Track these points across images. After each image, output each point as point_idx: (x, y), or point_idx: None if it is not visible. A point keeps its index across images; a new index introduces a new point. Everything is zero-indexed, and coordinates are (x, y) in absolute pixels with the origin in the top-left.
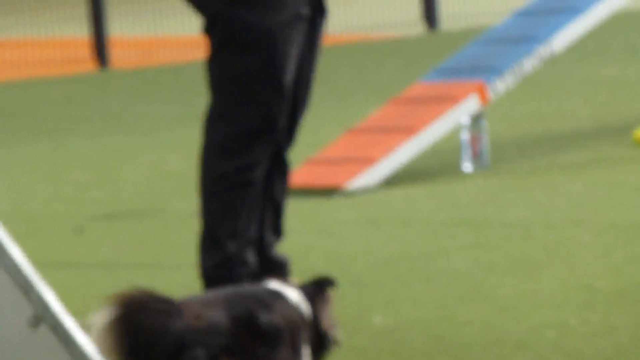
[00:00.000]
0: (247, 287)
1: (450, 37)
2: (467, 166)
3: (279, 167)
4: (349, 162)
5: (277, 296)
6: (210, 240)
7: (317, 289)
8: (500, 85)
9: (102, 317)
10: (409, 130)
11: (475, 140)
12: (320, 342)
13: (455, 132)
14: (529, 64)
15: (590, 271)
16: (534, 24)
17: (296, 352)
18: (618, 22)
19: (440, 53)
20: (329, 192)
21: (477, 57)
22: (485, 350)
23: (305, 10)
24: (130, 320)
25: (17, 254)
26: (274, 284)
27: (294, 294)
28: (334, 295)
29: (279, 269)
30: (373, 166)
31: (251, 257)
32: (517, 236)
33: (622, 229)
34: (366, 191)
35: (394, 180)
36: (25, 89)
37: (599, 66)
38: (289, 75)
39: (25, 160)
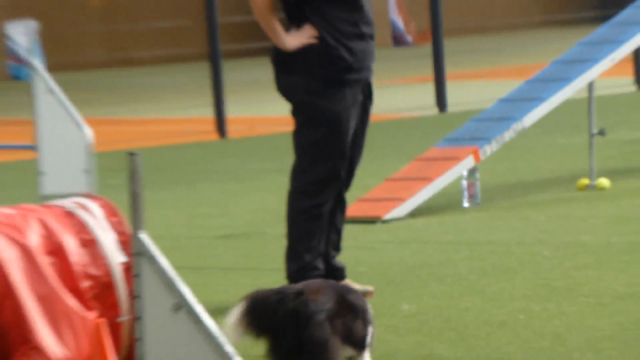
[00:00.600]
0: (332, 281)
1: (455, 117)
2: (466, 204)
3: (340, 204)
4: (386, 201)
5: (351, 288)
6: (292, 253)
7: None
8: (488, 149)
9: (238, 308)
10: (427, 180)
11: (471, 186)
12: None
13: (458, 180)
14: (508, 135)
15: (549, 275)
16: (511, 108)
17: (366, 325)
18: (568, 106)
19: (448, 128)
20: (372, 221)
21: (473, 130)
22: (478, 328)
23: (359, 97)
24: (259, 305)
25: (163, 261)
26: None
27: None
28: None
29: (339, 273)
30: (402, 203)
31: (320, 264)
32: (500, 251)
33: (572, 246)
34: (397, 220)
35: (417, 213)
36: (167, 152)
37: (556, 137)
38: (348, 143)
39: (168, 199)
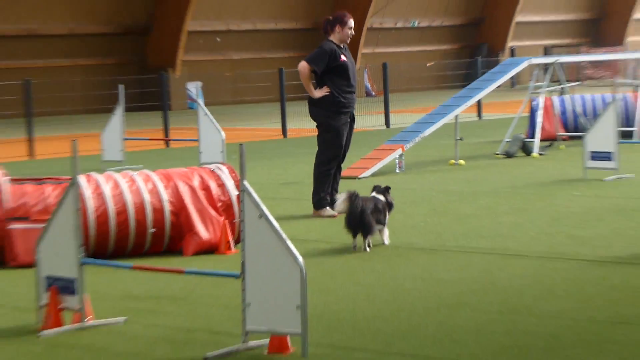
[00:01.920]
0: (373, 196)
1: (393, 130)
2: (397, 170)
3: (339, 170)
4: (359, 169)
5: (379, 199)
6: (316, 192)
7: (385, 189)
8: (409, 145)
9: (342, 196)
10: (379, 159)
11: (400, 162)
12: (390, 206)
13: (394, 160)
14: (418, 139)
15: (435, 205)
16: (420, 126)
17: (385, 215)
18: (446, 127)
19: (390, 135)
20: (353, 177)
21: (402, 136)
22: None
23: (348, 120)
24: (352, 198)
25: (254, 193)
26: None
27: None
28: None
29: (334, 202)
30: (367, 170)
31: (328, 197)
32: (411, 193)
33: (446, 191)
34: (364, 178)
35: (374, 174)
36: (255, 144)
37: (439, 140)
38: (343, 141)
39: (258, 166)
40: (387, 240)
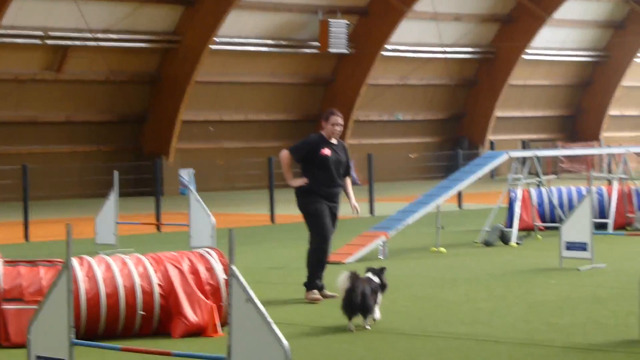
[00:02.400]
0: (368, 278)
1: (378, 218)
2: (380, 256)
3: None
4: (344, 254)
5: (373, 280)
6: (310, 278)
7: (380, 270)
8: (392, 233)
9: (344, 276)
10: (362, 245)
11: (383, 248)
12: (384, 287)
13: (376, 248)
14: (400, 227)
15: (416, 291)
16: (403, 215)
17: (377, 295)
18: (428, 216)
19: (374, 222)
20: (338, 263)
21: (385, 224)
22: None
23: (330, 212)
24: (353, 279)
25: (242, 278)
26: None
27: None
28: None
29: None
30: (351, 256)
31: (320, 282)
32: (397, 278)
33: (429, 278)
34: (350, 263)
35: (358, 260)
36: (241, 230)
37: (421, 228)
38: (327, 222)
39: (247, 250)
40: (378, 316)
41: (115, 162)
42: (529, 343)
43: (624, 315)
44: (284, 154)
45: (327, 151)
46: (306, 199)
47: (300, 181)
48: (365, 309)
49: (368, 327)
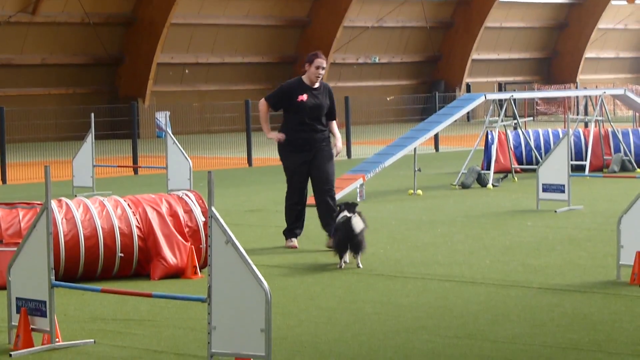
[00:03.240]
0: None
1: (355, 161)
2: (359, 199)
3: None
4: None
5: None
6: (287, 228)
7: (352, 205)
8: (369, 175)
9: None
10: (341, 188)
11: (361, 191)
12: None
13: (355, 189)
14: (378, 169)
15: (393, 230)
16: (380, 157)
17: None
18: (405, 158)
19: (352, 165)
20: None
21: (363, 167)
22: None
23: (308, 158)
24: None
25: (221, 220)
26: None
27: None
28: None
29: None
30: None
31: (298, 231)
32: (373, 218)
33: (405, 220)
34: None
35: (339, 202)
36: (220, 171)
37: (399, 171)
38: (299, 181)
39: (226, 193)
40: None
41: (91, 104)
42: (506, 284)
43: (601, 256)
44: (262, 103)
45: (304, 97)
46: (282, 152)
47: (274, 135)
48: (360, 246)
49: (360, 265)
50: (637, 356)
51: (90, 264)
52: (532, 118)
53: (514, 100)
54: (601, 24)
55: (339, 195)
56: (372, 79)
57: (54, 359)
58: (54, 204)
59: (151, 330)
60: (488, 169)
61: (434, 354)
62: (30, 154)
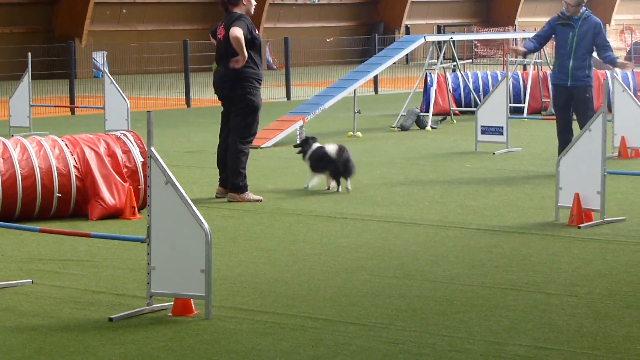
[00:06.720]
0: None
1: (294, 103)
2: (298, 141)
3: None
4: (262, 139)
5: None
6: (237, 173)
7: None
8: (309, 117)
9: (334, 146)
10: (281, 130)
11: (300, 133)
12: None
13: (294, 131)
14: (318, 111)
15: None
16: (320, 99)
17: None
18: (344, 100)
19: (291, 107)
20: (256, 147)
21: (302, 108)
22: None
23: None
24: (342, 148)
25: (160, 160)
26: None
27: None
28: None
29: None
30: (269, 140)
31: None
32: None
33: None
34: (267, 147)
35: (276, 145)
36: (160, 112)
37: (338, 113)
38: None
39: (165, 133)
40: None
41: (28, 44)
42: (445, 225)
43: (540, 198)
44: (240, 32)
45: (220, 30)
46: (250, 88)
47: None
48: (352, 171)
49: (350, 188)
50: (574, 296)
51: (28, 204)
52: (471, 60)
53: (453, 42)
54: None
55: (279, 137)
56: (311, 20)
57: None
58: None
59: (90, 271)
60: (427, 111)
61: (373, 293)
62: None
